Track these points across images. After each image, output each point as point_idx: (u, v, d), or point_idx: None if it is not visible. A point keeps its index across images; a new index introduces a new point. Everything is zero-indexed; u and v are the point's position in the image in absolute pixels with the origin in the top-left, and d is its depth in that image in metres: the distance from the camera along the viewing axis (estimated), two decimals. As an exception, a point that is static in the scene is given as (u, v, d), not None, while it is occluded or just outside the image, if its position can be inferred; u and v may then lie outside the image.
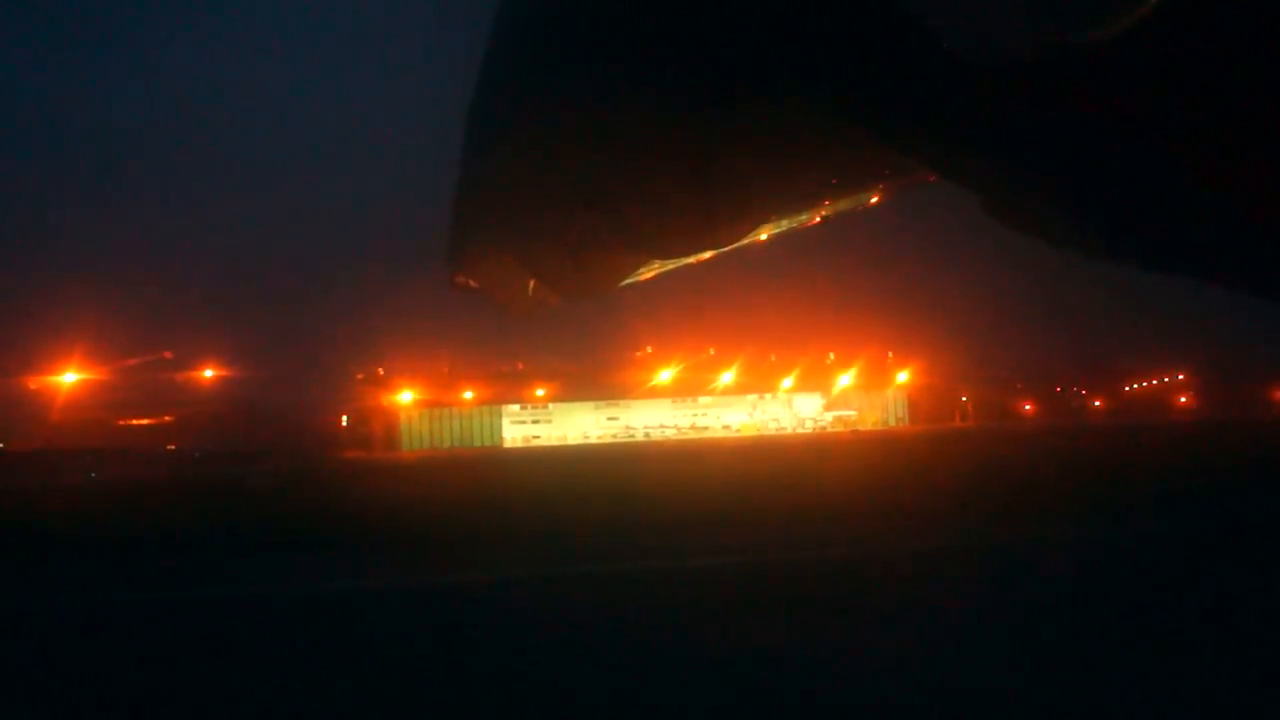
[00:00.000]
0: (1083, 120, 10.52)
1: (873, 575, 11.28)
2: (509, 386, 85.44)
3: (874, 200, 15.77)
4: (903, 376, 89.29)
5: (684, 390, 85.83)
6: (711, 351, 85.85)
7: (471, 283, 15.53)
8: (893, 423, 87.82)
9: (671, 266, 15.62)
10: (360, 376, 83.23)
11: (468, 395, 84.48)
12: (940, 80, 10.74)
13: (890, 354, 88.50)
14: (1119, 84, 9.97)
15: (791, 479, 26.58)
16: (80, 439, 58.15)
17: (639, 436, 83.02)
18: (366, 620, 10.10)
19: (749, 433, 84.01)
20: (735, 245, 14.94)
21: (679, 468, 36.09)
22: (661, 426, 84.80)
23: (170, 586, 12.19)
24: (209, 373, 70.50)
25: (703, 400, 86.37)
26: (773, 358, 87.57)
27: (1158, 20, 8.84)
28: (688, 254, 14.87)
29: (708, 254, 15.20)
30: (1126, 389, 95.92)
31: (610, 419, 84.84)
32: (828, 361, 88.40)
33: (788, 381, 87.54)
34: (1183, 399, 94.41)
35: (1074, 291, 70.99)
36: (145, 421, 70.02)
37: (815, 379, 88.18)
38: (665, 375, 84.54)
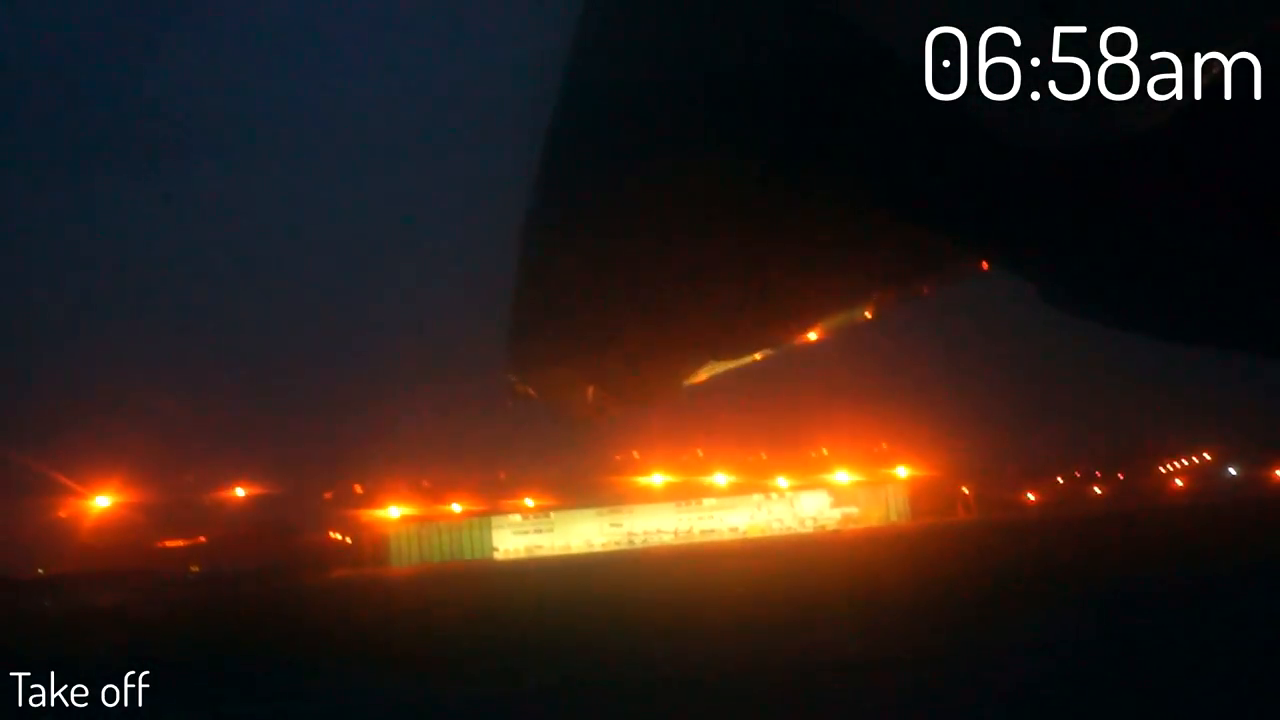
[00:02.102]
0: (1150, 206, 10.68)
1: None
2: (504, 497, 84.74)
3: (867, 315, 15.91)
4: (901, 471, 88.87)
5: (686, 493, 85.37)
6: (700, 453, 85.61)
7: (531, 391, 15.54)
8: (893, 518, 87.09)
9: (730, 367, 15.69)
10: (328, 496, 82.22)
11: (456, 508, 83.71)
12: (1001, 172, 10.92)
13: (884, 445, 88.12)
14: (1175, 170, 10.17)
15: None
16: (113, 561, 58.52)
17: (638, 543, 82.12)
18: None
19: (755, 534, 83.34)
20: (791, 343, 15.08)
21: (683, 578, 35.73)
22: (659, 531, 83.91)
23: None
24: (240, 491, 71.54)
25: (707, 503, 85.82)
26: (764, 455, 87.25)
27: (1200, 114, 9.07)
28: (745, 354, 14.96)
29: (763, 354, 15.31)
30: (1139, 473, 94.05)
31: (614, 525, 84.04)
32: (823, 457, 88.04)
33: (788, 480, 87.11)
34: (1179, 482, 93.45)
35: (1081, 375, 71.03)
36: (180, 543, 70.22)
37: (816, 476, 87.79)
38: (667, 479, 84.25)
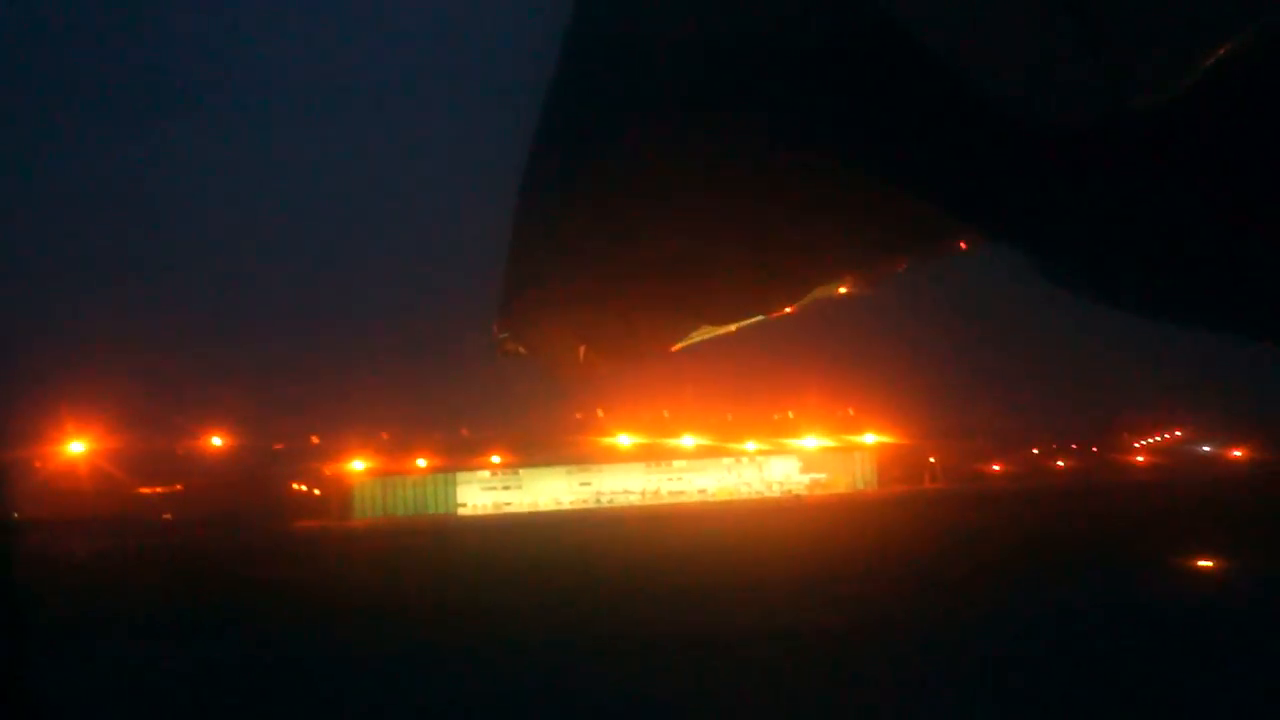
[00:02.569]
0: (1150, 181, 10.61)
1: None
2: (471, 453, 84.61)
3: (841, 291, 15.70)
4: (870, 438, 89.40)
5: (657, 455, 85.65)
6: (666, 414, 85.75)
7: (520, 349, 15.29)
8: (861, 485, 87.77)
9: (720, 332, 15.52)
10: (279, 447, 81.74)
11: (422, 463, 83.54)
12: (1001, 146, 10.80)
13: (851, 411, 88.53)
14: (1184, 145, 10.08)
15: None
16: (89, 507, 58.66)
17: (605, 502, 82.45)
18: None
19: (724, 497, 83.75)
20: (787, 310, 14.92)
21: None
22: (627, 492, 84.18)
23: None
24: (217, 440, 71.64)
25: (676, 465, 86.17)
26: (729, 417, 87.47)
27: (1216, 83, 8.99)
28: (741, 319, 14.81)
29: (757, 319, 15.15)
30: (1110, 448, 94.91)
31: (582, 484, 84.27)
32: (793, 423, 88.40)
33: (757, 444, 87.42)
34: (1140, 459, 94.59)
35: (1057, 349, 71.43)
36: (159, 490, 70.28)
37: (785, 441, 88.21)
38: (638, 440, 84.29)
